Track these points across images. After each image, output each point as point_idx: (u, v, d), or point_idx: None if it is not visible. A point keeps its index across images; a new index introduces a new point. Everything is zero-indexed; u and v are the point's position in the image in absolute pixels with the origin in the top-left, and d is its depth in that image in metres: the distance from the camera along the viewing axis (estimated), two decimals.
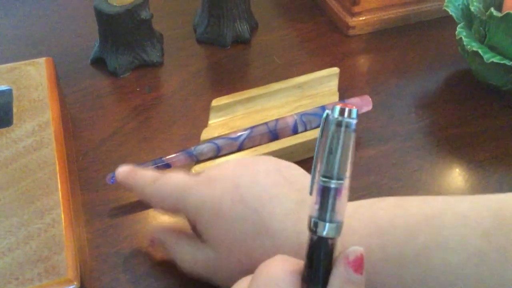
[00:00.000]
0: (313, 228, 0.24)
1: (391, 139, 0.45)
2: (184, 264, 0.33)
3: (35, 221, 0.32)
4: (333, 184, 0.24)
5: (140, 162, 0.41)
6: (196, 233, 0.33)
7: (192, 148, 0.40)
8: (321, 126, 0.25)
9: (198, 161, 0.40)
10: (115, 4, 0.49)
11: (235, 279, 0.28)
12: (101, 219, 0.39)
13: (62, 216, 0.32)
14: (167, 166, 0.39)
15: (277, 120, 0.42)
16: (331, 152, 0.24)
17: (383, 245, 0.28)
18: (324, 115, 0.24)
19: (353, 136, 0.24)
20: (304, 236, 0.25)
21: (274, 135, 0.42)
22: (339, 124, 0.24)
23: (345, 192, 0.25)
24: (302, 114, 0.43)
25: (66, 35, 0.57)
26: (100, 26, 0.50)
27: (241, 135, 0.41)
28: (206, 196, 0.31)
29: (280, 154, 0.41)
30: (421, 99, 0.49)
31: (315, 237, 0.25)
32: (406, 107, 0.48)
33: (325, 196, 0.24)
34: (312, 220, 0.25)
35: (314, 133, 0.42)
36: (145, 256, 0.37)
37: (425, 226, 0.27)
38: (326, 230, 0.24)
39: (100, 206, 0.40)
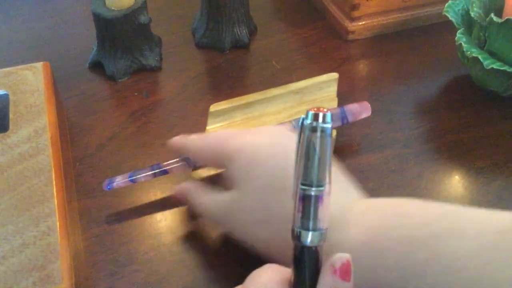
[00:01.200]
0: (296, 237, 0.24)
1: (390, 146, 0.45)
2: (202, 207, 0.35)
3: (30, 229, 0.32)
4: (313, 191, 0.24)
5: (137, 167, 0.41)
6: (221, 182, 0.35)
7: None
8: (297, 133, 0.24)
9: (196, 168, 0.40)
10: (113, 8, 0.49)
11: (246, 226, 0.31)
12: (97, 226, 0.39)
13: (58, 224, 0.32)
14: (165, 172, 0.39)
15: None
16: (308, 159, 0.24)
17: (399, 226, 0.29)
18: (299, 121, 0.24)
19: (329, 141, 0.23)
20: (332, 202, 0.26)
21: None
22: (313, 129, 0.23)
23: (326, 199, 0.24)
24: (298, 120, 0.42)
25: (63, 39, 0.57)
26: (98, 30, 0.50)
27: None
28: (248, 141, 0.33)
29: None
30: (420, 105, 0.49)
31: (299, 246, 0.24)
32: (405, 113, 0.48)
33: (306, 205, 0.24)
34: (295, 229, 0.24)
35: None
36: (142, 264, 0.36)
37: (444, 216, 0.28)
38: (309, 238, 0.24)
39: (97, 212, 0.39)
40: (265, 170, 0.32)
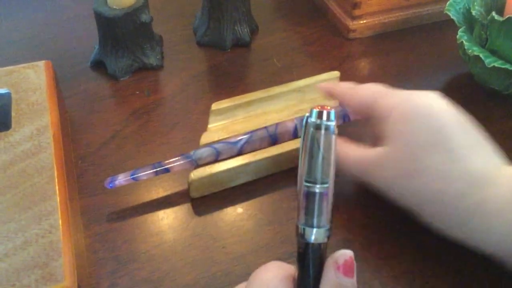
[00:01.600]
0: (301, 234, 0.24)
1: None
2: (348, 160, 0.36)
3: (33, 227, 0.32)
4: (317, 188, 0.24)
5: (139, 165, 0.41)
6: (368, 139, 0.37)
7: (191, 152, 0.40)
8: (302, 130, 0.24)
9: (198, 166, 0.40)
10: (115, 7, 0.49)
11: (394, 178, 0.33)
12: (99, 224, 0.39)
13: (60, 221, 0.32)
14: (166, 170, 0.39)
15: (277, 124, 0.42)
16: (312, 156, 0.24)
17: None
18: (304, 119, 0.24)
19: (333, 139, 0.24)
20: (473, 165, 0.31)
21: (274, 140, 0.41)
22: (317, 127, 0.23)
23: (330, 196, 0.24)
24: (302, 118, 0.42)
25: (65, 38, 0.57)
26: (99, 29, 0.50)
27: (240, 139, 0.41)
28: (404, 99, 0.35)
29: (280, 158, 0.41)
30: None
31: (303, 243, 0.24)
32: None
33: (311, 201, 0.24)
34: (300, 226, 0.24)
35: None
36: (144, 262, 0.36)
37: None
38: (313, 235, 0.24)
39: (99, 210, 0.40)
40: (420, 126, 0.33)
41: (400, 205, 0.34)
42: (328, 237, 0.25)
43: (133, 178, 0.38)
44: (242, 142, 0.40)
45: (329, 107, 0.23)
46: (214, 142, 0.41)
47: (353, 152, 0.37)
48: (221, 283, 0.35)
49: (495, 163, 0.33)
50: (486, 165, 0.33)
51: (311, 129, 0.23)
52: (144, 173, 0.39)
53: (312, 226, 0.24)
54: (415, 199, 0.33)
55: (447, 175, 0.32)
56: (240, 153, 0.41)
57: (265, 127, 0.42)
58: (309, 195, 0.24)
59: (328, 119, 0.23)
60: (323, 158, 0.24)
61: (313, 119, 0.23)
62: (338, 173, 0.33)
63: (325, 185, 0.24)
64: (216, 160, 0.40)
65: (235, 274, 0.36)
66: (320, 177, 0.24)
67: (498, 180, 0.32)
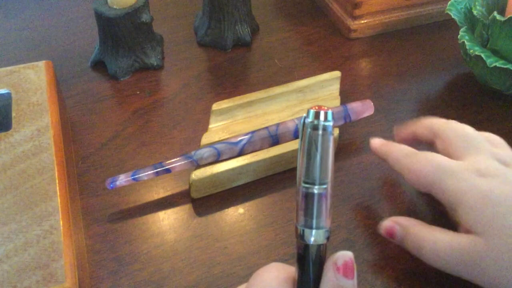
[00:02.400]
0: (300, 236, 0.24)
1: None
2: (432, 253, 0.31)
3: (34, 228, 0.31)
4: (316, 189, 0.24)
5: (140, 166, 0.41)
6: (453, 219, 0.33)
7: (192, 152, 0.40)
8: (300, 131, 0.24)
9: (198, 166, 0.40)
10: (115, 7, 0.48)
11: (503, 269, 0.28)
12: (100, 224, 0.39)
13: (61, 222, 0.32)
14: (167, 171, 0.39)
15: (278, 124, 0.42)
16: (310, 157, 0.23)
17: None
18: (302, 120, 0.24)
19: (331, 139, 0.23)
20: None
21: (275, 140, 0.41)
22: (315, 127, 0.23)
23: (329, 197, 0.24)
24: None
25: (65, 38, 0.57)
26: (100, 29, 0.50)
27: (241, 140, 0.40)
28: (471, 183, 0.31)
29: (281, 159, 0.41)
30: (423, 103, 0.49)
31: (303, 245, 0.24)
32: (407, 112, 0.48)
33: (309, 203, 0.24)
34: (299, 227, 0.24)
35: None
36: (145, 262, 0.36)
37: None
38: (313, 237, 0.24)
39: (100, 211, 0.39)
40: (507, 209, 0.30)
41: None
42: (328, 238, 0.25)
43: (133, 179, 0.38)
44: (243, 143, 0.40)
45: (326, 108, 0.23)
46: (215, 143, 0.41)
47: (432, 236, 0.32)
48: (222, 283, 0.35)
49: None
50: None
51: (309, 129, 0.23)
52: (145, 173, 0.38)
53: (311, 228, 0.24)
54: None
55: None
56: (241, 153, 0.40)
57: (266, 128, 0.42)
58: (308, 196, 0.24)
59: (326, 119, 0.23)
60: (321, 158, 0.23)
61: (310, 119, 0.23)
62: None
63: (324, 186, 0.24)
64: (217, 160, 0.40)
65: (237, 275, 0.36)
66: (318, 178, 0.24)
67: None
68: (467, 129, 0.35)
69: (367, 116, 0.44)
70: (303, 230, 0.24)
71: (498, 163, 0.32)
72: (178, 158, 0.39)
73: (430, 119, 0.38)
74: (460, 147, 0.34)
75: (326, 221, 0.24)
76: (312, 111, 0.23)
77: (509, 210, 0.30)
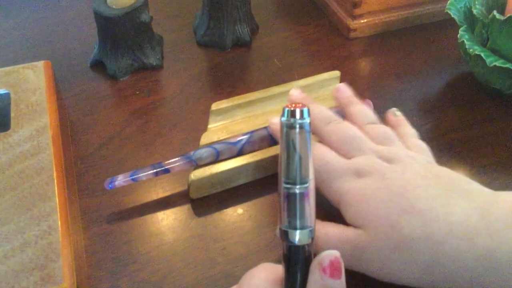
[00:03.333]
0: (284, 237, 0.24)
1: None
2: (324, 245, 0.32)
3: (32, 228, 0.31)
4: (297, 189, 0.23)
5: (139, 166, 0.41)
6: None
7: (191, 152, 0.40)
8: (279, 131, 0.24)
9: (198, 166, 0.40)
10: (114, 6, 0.48)
11: (382, 258, 0.30)
12: (99, 225, 0.39)
13: (59, 223, 0.32)
14: (166, 171, 0.39)
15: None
16: (289, 156, 0.23)
17: None
18: (280, 119, 0.24)
19: (309, 137, 0.23)
20: (454, 217, 0.28)
21: (273, 140, 0.41)
22: (291, 126, 0.23)
23: (311, 195, 0.24)
24: None
25: (65, 38, 0.57)
26: (99, 29, 0.50)
27: (240, 139, 0.40)
28: (350, 183, 0.33)
29: None
30: (422, 103, 0.49)
31: (288, 245, 0.24)
32: (407, 111, 0.47)
33: (292, 203, 0.24)
34: (283, 229, 0.24)
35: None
36: (144, 263, 0.36)
37: None
38: (297, 237, 0.24)
39: (98, 211, 0.39)
40: (378, 201, 0.31)
41: (396, 281, 0.31)
42: (313, 238, 0.24)
43: (132, 179, 0.38)
44: (242, 143, 0.40)
45: (300, 105, 0.23)
46: (214, 143, 0.41)
47: (334, 235, 0.33)
48: (221, 284, 0.35)
49: (485, 201, 0.30)
50: (476, 208, 0.30)
51: (285, 128, 0.23)
52: (143, 173, 0.38)
53: (295, 228, 0.24)
54: (410, 270, 0.30)
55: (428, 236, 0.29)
56: (240, 153, 0.40)
57: (265, 127, 0.41)
58: (290, 197, 0.24)
59: (302, 117, 0.23)
60: (300, 157, 0.23)
61: (285, 118, 0.23)
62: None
63: (305, 185, 0.23)
64: (216, 160, 0.40)
65: (235, 275, 0.36)
66: (299, 177, 0.23)
67: (500, 220, 0.28)
68: (349, 129, 0.36)
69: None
70: (287, 231, 0.24)
71: (381, 160, 0.34)
72: (177, 158, 0.39)
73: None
74: (344, 149, 0.35)
75: (310, 221, 0.24)
76: (287, 110, 0.23)
77: (382, 203, 0.31)
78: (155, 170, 0.39)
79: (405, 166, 0.33)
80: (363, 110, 0.39)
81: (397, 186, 0.31)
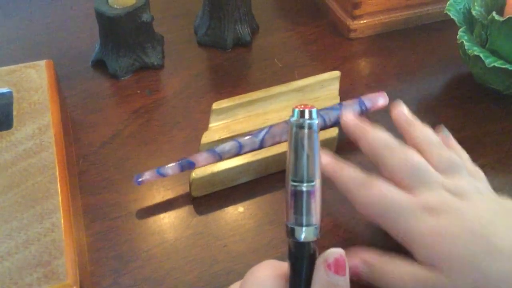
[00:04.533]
0: (290, 234, 0.24)
1: None
2: (401, 283, 0.31)
3: (35, 225, 0.32)
4: (304, 187, 0.24)
5: (140, 165, 0.41)
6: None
7: (215, 147, 0.40)
8: (288, 131, 0.24)
9: (221, 160, 0.40)
10: (116, 6, 0.49)
11: None
12: (101, 223, 0.39)
13: (62, 220, 0.32)
14: (192, 165, 0.39)
15: None
16: (297, 155, 0.24)
17: None
18: (289, 119, 0.24)
19: (317, 137, 0.24)
20: None
21: None
22: (301, 126, 0.24)
23: (318, 194, 0.25)
24: (321, 110, 0.43)
25: (66, 37, 0.57)
26: (100, 29, 0.50)
27: (261, 131, 0.41)
28: (423, 222, 0.31)
29: (281, 157, 0.41)
30: (422, 103, 0.49)
31: (294, 242, 0.25)
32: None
33: (298, 200, 0.24)
34: (289, 226, 0.25)
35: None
36: (145, 260, 0.36)
37: None
38: (303, 234, 0.24)
39: (100, 209, 0.40)
40: (460, 244, 0.30)
41: None
42: (318, 236, 0.25)
43: (159, 174, 0.39)
44: (262, 133, 0.41)
45: (310, 105, 0.24)
46: (237, 136, 0.41)
47: (405, 274, 0.31)
48: (222, 281, 0.35)
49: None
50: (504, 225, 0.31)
51: (294, 128, 0.24)
52: (170, 168, 0.39)
53: (301, 225, 0.24)
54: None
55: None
56: (261, 145, 0.41)
57: (285, 121, 0.42)
58: (297, 194, 0.24)
59: (310, 117, 0.24)
60: (307, 156, 0.24)
61: (295, 118, 0.24)
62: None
63: (312, 183, 0.24)
64: (240, 153, 0.40)
65: (237, 273, 0.36)
66: (306, 175, 0.24)
67: None
68: (413, 159, 0.34)
69: (367, 116, 0.44)
70: (294, 228, 0.24)
71: (451, 195, 0.32)
72: (202, 152, 0.40)
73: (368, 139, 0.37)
74: (407, 180, 0.33)
75: (316, 218, 0.25)
76: (297, 110, 0.24)
77: (465, 246, 0.30)
78: (180, 165, 0.39)
79: (477, 202, 0.32)
80: (425, 132, 0.37)
81: (476, 225, 0.30)
